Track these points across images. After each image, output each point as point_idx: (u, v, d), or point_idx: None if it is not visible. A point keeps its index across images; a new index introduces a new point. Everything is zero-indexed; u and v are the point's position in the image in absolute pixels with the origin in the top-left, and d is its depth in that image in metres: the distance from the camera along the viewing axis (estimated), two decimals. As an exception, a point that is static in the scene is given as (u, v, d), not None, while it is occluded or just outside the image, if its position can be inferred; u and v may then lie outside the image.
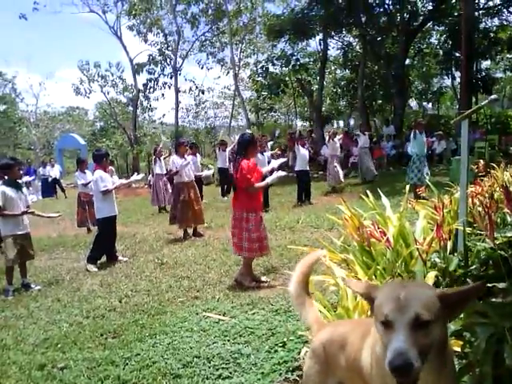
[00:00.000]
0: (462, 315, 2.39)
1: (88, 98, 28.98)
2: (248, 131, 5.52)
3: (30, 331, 4.24)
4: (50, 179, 18.99)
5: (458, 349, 2.02)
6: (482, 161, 5.29)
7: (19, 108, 43.00)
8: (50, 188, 19.06)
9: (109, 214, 6.61)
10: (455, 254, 3.12)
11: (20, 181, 5.87)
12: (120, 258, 6.77)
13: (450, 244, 3.18)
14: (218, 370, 3.18)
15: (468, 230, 3.27)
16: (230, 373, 3.12)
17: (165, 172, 12.05)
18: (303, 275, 2.12)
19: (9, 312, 4.84)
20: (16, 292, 5.55)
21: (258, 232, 5.05)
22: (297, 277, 2.12)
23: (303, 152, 11.10)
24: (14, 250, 5.52)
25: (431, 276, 2.39)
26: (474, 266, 2.92)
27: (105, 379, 3.21)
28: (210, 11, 26.73)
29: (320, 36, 22.39)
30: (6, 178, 5.64)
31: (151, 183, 13.53)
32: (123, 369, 3.33)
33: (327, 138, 12.64)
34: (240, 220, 5.09)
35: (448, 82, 28.27)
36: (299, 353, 3.04)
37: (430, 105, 31.81)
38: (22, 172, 5.65)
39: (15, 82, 42.42)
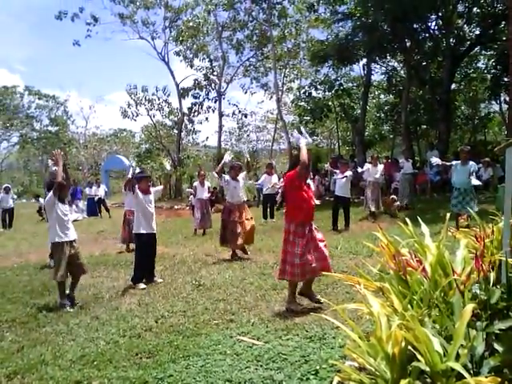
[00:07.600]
0: (500, 350, 2.29)
1: (135, 120, 29.89)
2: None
3: (68, 347, 4.33)
4: (96, 198, 19.57)
5: (496, 386, 1.93)
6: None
7: (70, 130, 45.23)
8: (95, 207, 19.63)
9: (137, 230, 6.72)
10: (498, 286, 2.99)
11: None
12: (155, 278, 6.81)
13: (493, 275, 3.06)
14: (249, 395, 3.15)
15: (512, 261, 3.13)
16: (261, 399, 3.09)
17: (207, 195, 12.33)
18: None
19: (49, 328, 4.96)
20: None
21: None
22: None
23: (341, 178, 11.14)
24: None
25: (469, 309, 2.29)
26: (517, 300, 2.79)
27: (137, 399, 3.23)
28: (254, 37, 27.28)
29: (364, 61, 22.38)
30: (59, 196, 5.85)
31: (193, 204, 13.81)
32: (155, 389, 3.35)
33: (365, 167, 12.59)
34: None
35: (496, 107, 27.56)
36: (331, 382, 2.97)
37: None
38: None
39: (67, 105, 44.94)
